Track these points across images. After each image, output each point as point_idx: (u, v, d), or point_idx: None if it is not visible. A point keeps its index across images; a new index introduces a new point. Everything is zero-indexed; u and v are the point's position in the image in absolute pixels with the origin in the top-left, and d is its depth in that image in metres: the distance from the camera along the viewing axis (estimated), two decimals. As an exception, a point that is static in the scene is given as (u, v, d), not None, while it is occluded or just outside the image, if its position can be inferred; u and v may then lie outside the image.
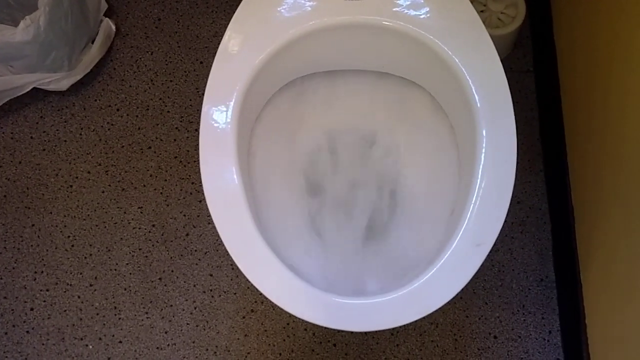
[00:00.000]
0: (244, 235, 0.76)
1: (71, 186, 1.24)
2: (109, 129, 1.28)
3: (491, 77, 0.81)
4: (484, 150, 0.77)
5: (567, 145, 1.12)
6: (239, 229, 0.76)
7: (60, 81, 1.24)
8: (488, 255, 0.74)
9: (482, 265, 0.73)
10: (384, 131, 0.96)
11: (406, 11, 0.83)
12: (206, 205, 0.77)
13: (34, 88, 1.24)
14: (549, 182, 1.18)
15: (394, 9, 0.84)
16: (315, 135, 0.96)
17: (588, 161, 1.03)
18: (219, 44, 0.84)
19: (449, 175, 0.88)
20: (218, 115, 0.80)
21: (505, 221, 0.75)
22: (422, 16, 0.83)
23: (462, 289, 0.73)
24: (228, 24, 0.85)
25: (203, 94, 0.83)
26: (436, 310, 0.72)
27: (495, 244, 0.74)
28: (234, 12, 0.86)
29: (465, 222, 0.74)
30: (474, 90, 0.80)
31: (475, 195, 0.75)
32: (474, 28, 0.83)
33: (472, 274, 0.72)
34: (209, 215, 0.76)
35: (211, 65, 0.83)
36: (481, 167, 0.76)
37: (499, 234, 0.74)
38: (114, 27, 1.33)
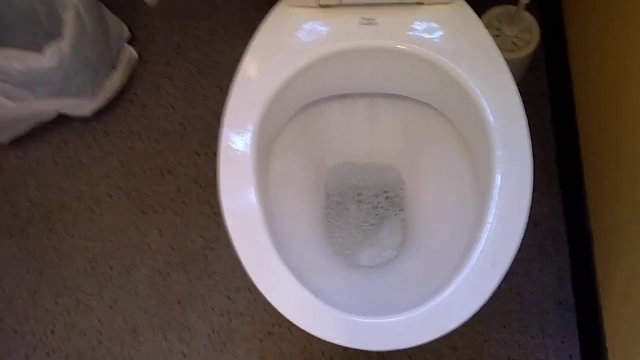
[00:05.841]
0: (263, 257, 0.76)
1: (93, 210, 1.26)
2: (130, 154, 1.31)
3: (506, 101, 0.81)
4: (500, 173, 0.77)
5: (584, 168, 1.12)
6: (258, 251, 0.77)
7: (84, 107, 1.27)
8: (506, 278, 0.73)
9: (500, 288, 0.73)
10: (400, 154, 0.97)
11: (421, 35, 0.85)
12: (225, 228, 0.78)
13: (58, 114, 1.27)
14: (567, 204, 1.18)
15: (409, 33, 0.85)
16: (332, 158, 0.97)
17: (606, 184, 1.03)
18: (237, 70, 0.86)
19: (465, 197, 0.89)
20: (236, 139, 0.82)
21: (523, 244, 0.75)
22: (436, 40, 0.84)
23: (480, 312, 0.72)
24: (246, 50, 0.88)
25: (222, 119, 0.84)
26: (454, 333, 0.72)
27: (513, 267, 0.74)
28: (252, 39, 0.88)
29: (482, 243, 0.74)
30: (489, 113, 0.80)
31: (491, 216, 0.75)
32: (488, 51, 0.84)
33: (489, 294, 0.72)
34: (227, 238, 0.77)
35: (230, 91, 0.85)
36: (497, 189, 0.77)
37: (517, 257, 0.74)
38: (136, 54, 1.36)
